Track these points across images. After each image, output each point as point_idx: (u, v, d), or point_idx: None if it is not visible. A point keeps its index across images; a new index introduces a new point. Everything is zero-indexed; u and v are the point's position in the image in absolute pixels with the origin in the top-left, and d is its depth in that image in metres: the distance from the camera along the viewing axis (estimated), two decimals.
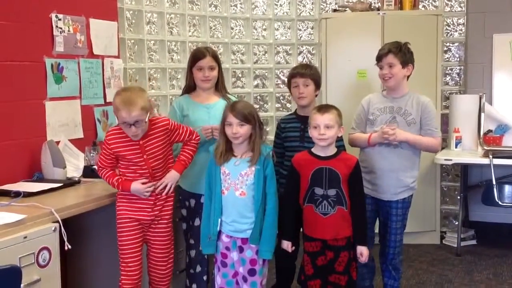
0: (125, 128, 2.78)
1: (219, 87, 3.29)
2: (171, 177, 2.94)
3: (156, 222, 2.96)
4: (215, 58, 3.24)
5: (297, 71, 3.41)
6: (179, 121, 3.19)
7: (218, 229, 2.89)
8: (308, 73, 3.38)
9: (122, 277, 2.88)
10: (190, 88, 3.30)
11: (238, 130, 2.83)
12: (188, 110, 3.22)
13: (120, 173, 2.91)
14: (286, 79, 3.60)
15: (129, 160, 2.85)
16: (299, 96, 3.37)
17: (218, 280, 2.95)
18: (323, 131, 2.88)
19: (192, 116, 3.20)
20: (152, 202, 2.91)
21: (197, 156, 3.09)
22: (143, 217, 2.89)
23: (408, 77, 3.34)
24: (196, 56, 3.22)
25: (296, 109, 3.56)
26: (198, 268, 3.23)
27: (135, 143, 2.84)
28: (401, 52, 3.26)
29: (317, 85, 3.44)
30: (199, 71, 3.21)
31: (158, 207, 2.94)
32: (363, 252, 2.93)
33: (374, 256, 3.46)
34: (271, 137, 3.58)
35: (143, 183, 2.85)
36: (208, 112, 3.20)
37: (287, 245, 2.99)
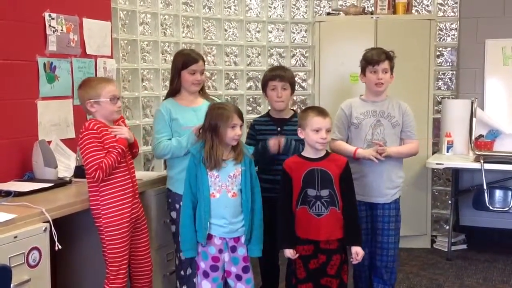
0: (111, 104, 2.85)
1: (203, 90, 3.34)
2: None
3: (139, 222, 2.97)
4: (204, 62, 3.31)
5: (277, 74, 3.41)
6: (168, 125, 3.20)
7: (207, 232, 2.88)
8: (287, 76, 3.40)
9: (112, 281, 2.84)
10: (175, 91, 3.30)
11: (241, 131, 2.89)
12: (177, 114, 3.22)
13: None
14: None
15: (108, 145, 2.82)
16: (277, 100, 3.38)
17: (208, 285, 2.93)
18: (325, 135, 2.90)
19: (182, 120, 3.20)
20: (130, 199, 2.89)
21: (186, 157, 3.08)
22: (129, 218, 2.87)
23: None
24: (189, 60, 3.23)
25: (268, 111, 3.57)
26: (189, 271, 3.22)
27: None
28: (393, 60, 3.36)
29: (293, 89, 3.46)
30: (191, 74, 3.22)
31: (136, 206, 2.95)
32: (358, 252, 2.93)
33: None
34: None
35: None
36: (196, 115, 3.18)
37: (289, 253, 2.92)
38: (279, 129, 3.40)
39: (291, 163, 2.99)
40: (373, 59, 3.33)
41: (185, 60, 3.25)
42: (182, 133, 3.16)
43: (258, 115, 5.08)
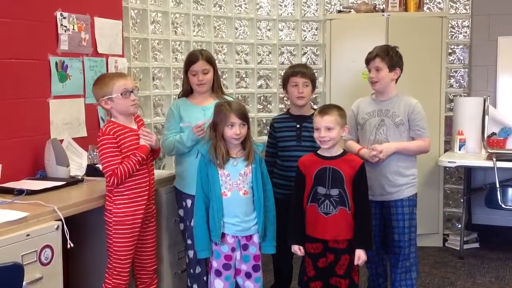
0: (124, 98, 2.81)
1: (215, 88, 3.29)
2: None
3: (147, 221, 2.97)
4: (209, 61, 3.23)
5: (298, 70, 3.40)
6: (178, 122, 3.22)
7: (221, 231, 2.89)
8: (308, 73, 3.40)
9: (115, 277, 2.85)
10: (187, 91, 3.30)
11: (241, 131, 2.86)
12: (184, 111, 3.23)
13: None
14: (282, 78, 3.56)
15: (127, 148, 2.82)
16: (298, 96, 3.37)
17: (220, 284, 2.94)
18: (324, 134, 2.89)
19: (187, 118, 3.20)
20: (146, 197, 2.89)
21: (193, 156, 3.08)
22: (140, 215, 2.87)
23: (396, 80, 3.35)
24: (189, 61, 3.23)
25: (289, 109, 3.56)
26: (198, 269, 3.23)
27: (134, 133, 2.87)
28: (388, 56, 3.28)
29: (314, 87, 3.46)
30: (193, 75, 3.22)
31: (151, 204, 2.95)
32: (360, 255, 2.88)
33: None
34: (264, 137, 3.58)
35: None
36: (204, 114, 3.18)
37: (297, 248, 2.95)
38: (298, 125, 3.39)
39: (306, 161, 2.99)
40: (365, 59, 3.34)
41: (186, 61, 3.26)
42: (185, 130, 3.17)
43: (269, 113, 5.13)
